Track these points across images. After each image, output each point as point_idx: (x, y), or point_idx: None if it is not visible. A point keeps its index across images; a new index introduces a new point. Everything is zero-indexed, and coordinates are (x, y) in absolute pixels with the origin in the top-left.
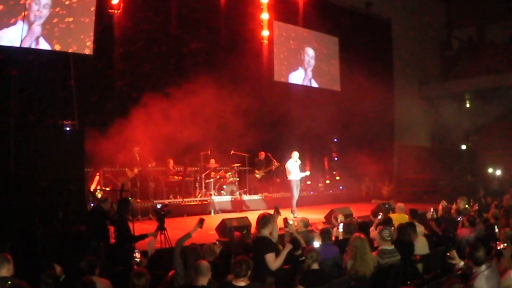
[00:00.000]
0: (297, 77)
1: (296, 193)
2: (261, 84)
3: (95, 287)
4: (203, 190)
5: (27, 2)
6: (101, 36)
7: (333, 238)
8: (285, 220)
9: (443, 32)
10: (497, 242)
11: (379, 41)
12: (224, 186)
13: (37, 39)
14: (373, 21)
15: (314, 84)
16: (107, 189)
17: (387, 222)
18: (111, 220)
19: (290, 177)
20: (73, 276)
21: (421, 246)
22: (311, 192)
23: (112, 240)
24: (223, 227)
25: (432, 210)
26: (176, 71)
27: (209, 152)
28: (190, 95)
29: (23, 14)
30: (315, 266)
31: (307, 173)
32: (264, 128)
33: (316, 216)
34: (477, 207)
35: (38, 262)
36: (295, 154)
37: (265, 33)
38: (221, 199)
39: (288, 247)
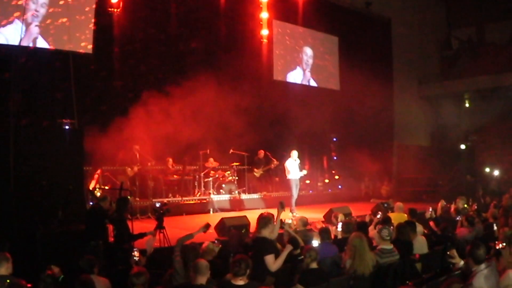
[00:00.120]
0: (295, 77)
1: (295, 192)
2: (260, 83)
3: (94, 286)
4: (202, 189)
5: (24, 1)
6: (101, 35)
7: (332, 237)
8: (281, 221)
9: (442, 32)
10: (496, 242)
11: (379, 41)
12: (223, 185)
13: (34, 39)
14: (373, 20)
15: (313, 84)
16: (106, 187)
17: (386, 221)
18: (110, 219)
19: (289, 176)
20: (72, 275)
21: (420, 245)
22: (310, 191)
23: (111, 239)
24: (222, 226)
25: (431, 209)
26: (175, 70)
27: (208, 151)
28: (189, 94)
29: (19, 14)
30: (314, 265)
31: (304, 172)
32: (264, 127)
33: (315, 215)
34: (476, 207)
35: (37, 261)
36: (294, 153)
37: (264, 32)
38: (220, 198)
39: (288, 248)
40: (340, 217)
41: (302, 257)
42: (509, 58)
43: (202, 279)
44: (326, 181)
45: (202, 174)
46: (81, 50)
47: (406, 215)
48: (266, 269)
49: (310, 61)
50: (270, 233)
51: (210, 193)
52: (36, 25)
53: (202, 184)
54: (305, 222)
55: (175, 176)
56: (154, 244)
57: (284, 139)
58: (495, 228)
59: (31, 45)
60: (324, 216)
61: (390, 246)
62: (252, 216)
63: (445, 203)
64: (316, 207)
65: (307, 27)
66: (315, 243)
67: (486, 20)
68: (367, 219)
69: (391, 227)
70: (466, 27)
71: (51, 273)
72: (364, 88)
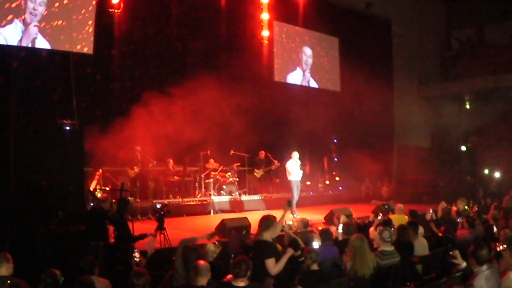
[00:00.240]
0: (295, 78)
1: (296, 194)
2: (261, 84)
3: (95, 286)
4: (203, 190)
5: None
6: (101, 35)
7: (334, 237)
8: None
9: (442, 33)
10: (497, 244)
11: (379, 42)
12: (224, 186)
13: (33, 39)
14: (373, 21)
15: (313, 85)
16: (107, 188)
17: (386, 223)
18: (111, 220)
19: (290, 178)
20: (73, 276)
21: (421, 247)
22: (311, 193)
23: (112, 240)
24: (222, 227)
25: (431, 211)
26: (176, 71)
27: (209, 152)
28: (190, 95)
29: (18, 13)
30: (315, 266)
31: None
32: (264, 128)
33: (316, 216)
34: (476, 208)
35: (37, 261)
36: (295, 155)
37: (265, 33)
38: (221, 199)
39: (289, 252)
40: (342, 218)
41: (303, 258)
42: (509, 59)
43: (203, 280)
44: (327, 182)
45: (202, 175)
46: (81, 51)
47: (406, 216)
48: (266, 271)
49: (310, 60)
50: (272, 235)
51: (210, 194)
52: (35, 25)
53: (203, 185)
54: (305, 224)
55: (175, 177)
56: (154, 245)
57: (285, 140)
58: (495, 230)
59: (30, 45)
60: (324, 218)
61: (391, 248)
62: (253, 218)
63: (445, 205)
64: (317, 208)
65: (307, 28)
66: (316, 244)
67: (486, 21)
68: (371, 218)
69: (392, 228)
70: (466, 28)
71: (52, 272)
72: (364, 89)
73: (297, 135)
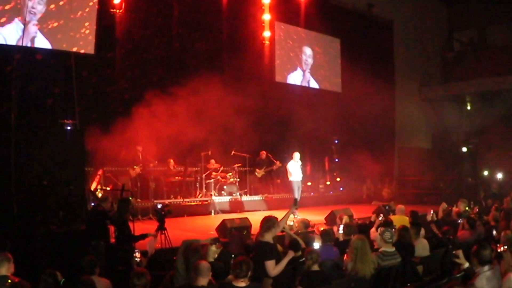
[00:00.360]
0: (295, 78)
1: (297, 194)
2: (262, 85)
3: (95, 286)
4: (204, 190)
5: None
6: (103, 35)
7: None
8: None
9: (444, 34)
10: (498, 245)
11: (381, 43)
12: (225, 187)
13: (33, 38)
14: (374, 22)
15: (313, 85)
16: (108, 188)
17: (387, 224)
18: (111, 220)
19: (291, 178)
20: (73, 276)
21: (422, 248)
22: (312, 193)
23: (112, 240)
24: (223, 228)
25: (432, 212)
26: (177, 71)
27: (209, 152)
28: (191, 95)
29: (16, 12)
30: (315, 267)
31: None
32: (265, 129)
33: (317, 217)
34: (477, 210)
35: (38, 261)
36: (296, 155)
37: (266, 34)
38: (222, 199)
39: (290, 255)
40: (345, 218)
41: (303, 259)
42: (510, 60)
43: (203, 281)
44: (328, 183)
45: (203, 175)
46: (82, 50)
47: (407, 217)
48: (265, 272)
49: (309, 60)
50: (273, 237)
51: (211, 195)
52: (34, 24)
53: (204, 185)
54: (306, 224)
55: (176, 178)
56: (155, 245)
57: (286, 141)
58: (494, 233)
59: (29, 44)
60: (325, 218)
61: (392, 249)
62: (254, 218)
63: (446, 206)
64: (318, 209)
65: (308, 28)
66: (316, 245)
67: (488, 22)
68: (372, 219)
69: (393, 229)
70: (468, 29)
71: (53, 272)
72: (365, 90)
73: (298, 135)
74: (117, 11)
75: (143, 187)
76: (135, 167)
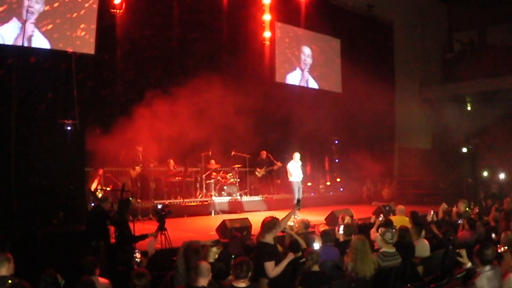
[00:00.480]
0: (294, 78)
1: (297, 195)
2: (262, 85)
3: (95, 287)
4: (204, 190)
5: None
6: (103, 35)
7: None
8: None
9: (444, 35)
10: (498, 245)
11: (381, 43)
12: (225, 187)
13: (30, 37)
14: (375, 23)
15: (311, 85)
16: (108, 188)
17: (387, 224)
18: (112, 220)
19: (291, 179)
20: (73, 276)
21: (423, 248)
22: (312, 194)
23: (113, 240)
24: (223, 228)
25: (432, 212)
26: (177, 71)
27: (210, 153)
28: (192, 96)
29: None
30: (316, 267)
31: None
32: (266, 129)
33: (317, 217)
34: (477, 210)
35: (38, 261)
36: (296, 155)
37: (267, 34)
38: (222, 200)
39: (290, 257)
40: (347, 219)
41: (304, 259)
42: (510, 61)
43: (204, 281)
44: (328, 183)
45: (203, 176)
46: (83, 51)
47: (407, 218)
48: (264, 273)
49: (308, 60)
50: (274, 238)
51: (211, 195)
52: (31, 23)
53: (204, 186)
54: (306, 225)
55: (176, 178)
56: (155, 246)
57: (286, 141)
58: (493, 236)
59: (26, 43)
60: (325, 219)
61: (392, 250)
62: (254, 218)
63: (446, 206)
64: (318, 209)
65: (309, 29)
66: (317, 245)
67: (488, 23)
68: (372, 220)
69: (393, 230)
70: (468, 29)
71: (52, 272)
72: (366, 90)
73: (299, 136)
74: (118, 11)
75: (143, 188)
76: (135, 167)
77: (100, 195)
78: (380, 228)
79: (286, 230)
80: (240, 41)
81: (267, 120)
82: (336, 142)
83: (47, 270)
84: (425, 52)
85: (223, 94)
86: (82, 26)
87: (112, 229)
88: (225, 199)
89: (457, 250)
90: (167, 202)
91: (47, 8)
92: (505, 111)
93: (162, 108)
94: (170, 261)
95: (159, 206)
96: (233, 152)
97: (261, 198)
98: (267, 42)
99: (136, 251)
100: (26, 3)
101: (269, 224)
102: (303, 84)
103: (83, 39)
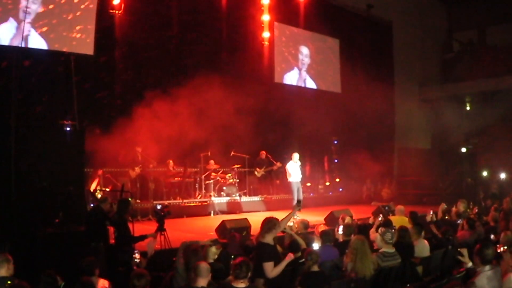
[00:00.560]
0: (292, 78)
1: (296, 195)
2: (262, 86)
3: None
4: (203, 191)
5: None
6: (102, 35)
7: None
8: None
9: (443, 35)
10: (497, 245)
11: (380, 43)
12: (224, 188)
13: (26, 37)
14: (374, 23)
15: (309, 85)
16: (107, 189)
17: (387, 224)
18: (111, 221)
19: (290, 179)
20: (73, 277)
21: (422, 248)
22: (311, 194)
23: (112, 241)
24: (223, 228)
25: (431, 212)
26: (177, 72)
27: (209, 153)
28: (191, 96)
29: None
30: (315, 268)
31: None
32: (265, 130)
33: (316, 218)
34: (477, 210)
35: (38, 262)
36: (296, 156)
37: (266, 34)
38: (221, 200)
39: (289, 257)
40: (348, 219)
41: (303, 260)
42: (510, 61)
43: (203, 282)
44: (327, 183)
45: (203, 176)
46: (82, 51)
47: (407, 218)
48: (262, 273)
49: (306, 60)
50: (273, 238)
51: (211, 196)
52: (28, 22)
53: (203, 186)
54: (306, 225)
55: (176, 178)
56: (155, 246)
57: (285, 141)
58: (492, 237)
59: (23, 43)
60: (325, 219)
61: (392, 250)
62: (253, 219)
63: (446, 206)
64: (317, 209)
65: (308, 29)
66: (316, 246)
67: (487, 23)
68: (370, 220)
69: (393, 230)
70: (467, 29)
71: (52, 272)
72: (365, 90)
73: (298, 136)
74: (117, 12)
75: (143, 188)
76: (134, 168)
77: (99, 196)
78: (379, 228)
79: (286, 231)
80: (239, 41)
81: (267, 120)
82: (336, 142)
83: (46, 270)
84: (425, 52)
85: (222, 94)
86: (78, 27)
87: (111, 229)
88: (224, 199)
89: (458, 249)
90: (166, 202)
91: (43, 9)
92: (504, 111)
93: (161, 108)
94: (169, 261)
95: (159, 207)
96: (232, 153)
97: (260, 199)
98: (266, 43)
99: (136, 251)
100: (23, 3)
101: (269, 225)
102: (301, 83)
103: (79, 40)
